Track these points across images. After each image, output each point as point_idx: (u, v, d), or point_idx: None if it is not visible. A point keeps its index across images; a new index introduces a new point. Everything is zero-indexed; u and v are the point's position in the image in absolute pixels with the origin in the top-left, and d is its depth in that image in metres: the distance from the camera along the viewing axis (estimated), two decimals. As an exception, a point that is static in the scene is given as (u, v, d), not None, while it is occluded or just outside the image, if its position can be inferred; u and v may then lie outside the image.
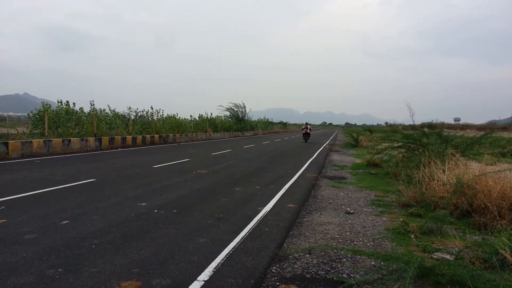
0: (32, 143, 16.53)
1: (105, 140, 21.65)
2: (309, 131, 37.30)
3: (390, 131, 26.74)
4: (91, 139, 20.55)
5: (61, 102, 21.92)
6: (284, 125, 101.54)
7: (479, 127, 79.45)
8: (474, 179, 7.00)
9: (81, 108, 23.23)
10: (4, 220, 6.04)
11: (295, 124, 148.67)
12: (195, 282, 4.03)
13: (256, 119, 71.57)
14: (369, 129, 63.62)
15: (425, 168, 8.85)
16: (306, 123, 38.53)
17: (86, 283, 3.93)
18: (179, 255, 4.80)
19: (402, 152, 13.50)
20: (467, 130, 61.08)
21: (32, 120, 20.38)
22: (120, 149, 21.07)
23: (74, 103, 22.56)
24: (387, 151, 15.05)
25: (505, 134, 42.08)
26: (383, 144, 19.90)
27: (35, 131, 19.75)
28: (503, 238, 4.58)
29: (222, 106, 55.65)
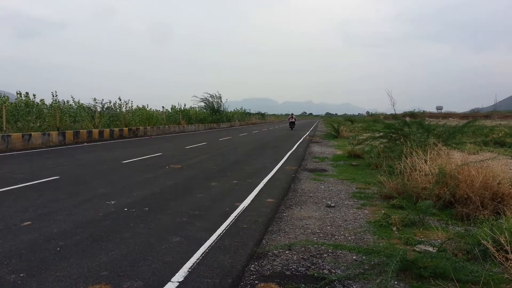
0: (-12, 139, 15.99)
1: (69, 134, 21.17)
2: (294, 120, 48.76)
3: (372, 120, 27.25)
4: (54, 134, 20.05)
5: (20, 94, 21.28)
6: (262, 116, 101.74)
7: (462, 116, 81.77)
8: (456, 169, 7.20)
9: (42, 100, 22.62)
10: (-42, 223, 5.84)
11: (273, 115, 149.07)
12: (169, 283, 4.01)
13: (233, 110, 71.46)
14: (350, 119, 64.50)
15: (407, 158, 9.04)
16: (292, 114, 52.65)
17: (51, 289, 3.85)
18: (151, 256, 4.75)
19: (384, 142, 13.77)
20: (450, 118, 62.77)
21: (-12, 114, 19.71)
22: (86, 144, 20.65)
23: (34, 95, 21.97)
24: (368, 142, 15.32)
25: (488, 122, 43.44)
26: (365, 134, 20.21)
27: (-9, 125, 19.11)
28: (485, 229, 4.74)
29: (197, 97, 55.47)
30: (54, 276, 4.12)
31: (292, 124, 47.61)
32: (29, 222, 5.97)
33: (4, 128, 18.41)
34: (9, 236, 5.35)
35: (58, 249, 4.91)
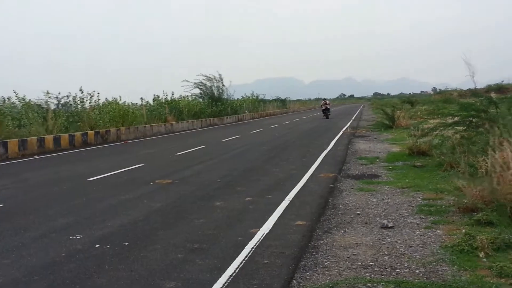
0: None
1: (13, 144, 21.45)
2: (328, 107, 53.98)
3: (441, 100, 27.01)
4: (-8, 145, 20.39)
5: None
6: (282, 102, 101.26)
7: None
8: None
9: (-28, 99, 23.02)
10: None
11: (299, 101, 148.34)
12: None
13: (241, 98, 71.37)
14: (410, 100, 64.09)
15: (495, 152, 8.93)
16: (324, 99, 58.62)
17: None
18: (136, 310, 4.81)
19: (460, 131, 13.62)
20: (555, 91, 61.78)
21: None
22: (36, 157, 20.92)
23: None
24: (438, 132, 15.16)
25: None
26: (432, 121, 20.03)
27: None
28: None
29: (188, 81, 54.81)
30: None
31: (327, 111, 52.96)
32: (-37, 271, 6.09)
33: None
34: None
35: (5, 306, 5.00)
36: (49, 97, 28.20)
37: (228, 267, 5.91)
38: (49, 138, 23.95)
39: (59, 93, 28.79)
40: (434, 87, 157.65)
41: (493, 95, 15.26)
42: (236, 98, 65.88)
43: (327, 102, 55.87)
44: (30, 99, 27.49)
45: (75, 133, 26.37)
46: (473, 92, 15.71)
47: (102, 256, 6.55)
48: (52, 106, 28.16)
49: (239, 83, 66.52)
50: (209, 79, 55.82)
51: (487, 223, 7.03)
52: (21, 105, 26.84)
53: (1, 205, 10.11)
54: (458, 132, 13.77)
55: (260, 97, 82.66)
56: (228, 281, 5.49)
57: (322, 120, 46.18)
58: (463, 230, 6.90)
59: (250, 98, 75.30)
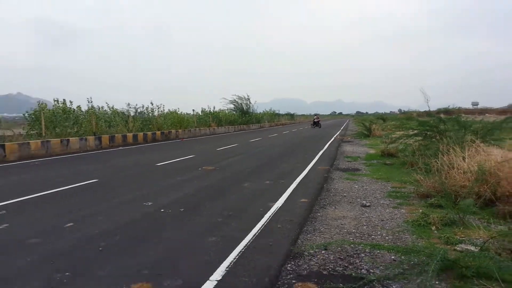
0: (30, 145, 16.68)
1: (105, 138, 21.79)
2: (318, 120, 53.35)
3: (405, 118, 26.62)
4: (91, 138, 20.70)
5: (58, 101, 22.06)
6: (291, 116, 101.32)
7: (499, 111, 78.66)
8: (496, 166, 6.97)
9: (78, 106, 23.41)
10: (6, 225, 6.13)
11: (303, 115, 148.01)
12: (208, 282, 4.08)
13: (262, 112, 71.48)
14: (382, 117, 63.29)
15: (443, 156, 8.81)
16: (316, 113, 57.46)
17: (95, 287, 3.99)
18: (189, 255, 4.84)
19: (419, 140, 13.45)
20: (486, 114, 60.53)
21: (28, 121, 20.50)
22: (121, 148, 21.20)
23: (71, 101, 22.74)
24: (402, 140, 15.00)
25: (528, 118, 41.64)
26: (398, 132, 19.79)
27: (31, 132, 19.89)
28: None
29: (226, 99, 55.51)
30: (97, 275, 4.26)
31: (317, 123, 52.07)
32: (71, 224, 6.20)
33: (43, 134, 19.15)
34: (53, 237, 5.58)
35: (100, 248, 5.08)
36: (130, 107, 28.69)
37: (253, 229, 5.91)
38: (129, 135, 24.24)
39: (136, 104, 29.38)
40: (400, 109, 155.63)
41: (442, 115, 15.03)
42: (258, 112, 66.04)
43: (318, 117, 55.78)
44: (116, 108, 27.92)
45: (147, 132, 26.63)
46: (428, 113, 15.48)
47: (165, 217, 6.62)
48: (132, 113, 28.50)
49: (260, 101, 66.39)
50: (240, 98, 56.24)
51: (438, 206, 6.93)
52: (110, 112, 27.25)
53: (96, 180, 10.26)
54: (417, 141, 13.60)
55: (276, 111, 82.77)
56: (253, 238, 5.50)
57: (319, 129, 45.92)
58: (420, 210, 6.82)
59: (269, 112, 75.40)
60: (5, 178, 10.98)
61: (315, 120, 53.44)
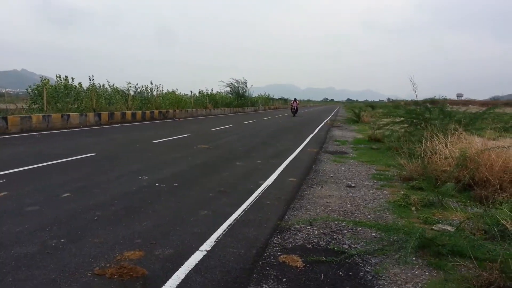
0: (32, 118, 16.48)
1: (105, 115, 21.58)
2: (297, 106, 40.49)
3: (392, 106, 26.64)
4: (91, 114, 20.49)
5: (60, 77, 21.74)
6: (285, 101, 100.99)
7: (482, 103, 78.99)
8: (477, 153, 7.00)
9: (79, 83, 23.09)
10: (6, 193, 6.08)
11: (299, 101, 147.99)
12: (197, 252, 4.09)
13: (257, 95, 71.19)
14: (371, 105, 63.34)
15: (427, 142, 8.83)
16: (295, 98, 41.54)
17: (89, 253, 3.98)
18: (181, 227, 4.84)
19: (404, 127, 13.48)
20: (470, 105, 60.72)
21: (31, 96, 20.30)
22: (119, 125, 21.02)
23: (73, 78, 22.41)
24: (389, 127, 15.04)
25: (508, 110, 41.83)
26: (385, 119, 19.82)
27: (34, 106, 19.69)
28: (505, 210, 4.61)
29: (223, 82, 55.26)
30: (92, 242, 4.25)
31: (294, 111, 39.27)
32: (68, 194, 6.16)
33: (45, 109, 18.92)
34: (51, 206, 5.54)
35: (95, 218, 5.06)
36: (130, 86, 28.31)
37: (242, 204, 5.92)
38: (128, 113, 24.03)
39: (137, 84, 29.02)
40: (388, 98, 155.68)
41: (428, 105, 15.03)
42: (254, 96, 65.80)
43: (296, 101, 40.66)
44: (117, 86, 27.63)
45: (146, 111, 26.41)
46: (415, 102, 15.45)
47: (160, 191, 6.59)
48: (131, 92, 28.19)
49: (255, 86, 65.98)
50: (237, 81, 55.90)
51: (419, 188, 6.98)
52: (111, 90, 26.97)
53: (94, 154, 10.18)
54: (403, 127, 13.64)
55: (270, 96, 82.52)
56: (242, 213, 5.51)
57: (310, 114, 45.85)
58: (402, 192, 6.85)
59: (263, 96, 75.10)
60: (6, 149, 10.86)
61: (294, 105, 39.84)
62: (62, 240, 4.28)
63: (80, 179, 7.21)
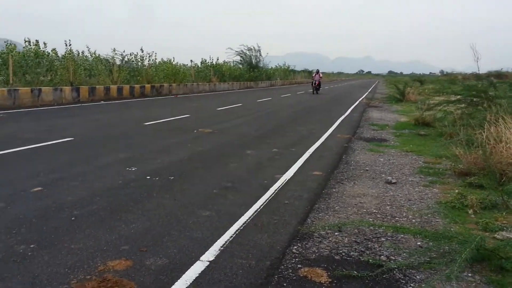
0: (-6, 94, 16.75)
1: (84, 90, 21.78)
2: (319, 80, 38.14)
3: (447, 81, 26.34)
4: (67, 89, 20.70)
5: (29, 42, 21.89)
6: (309, 73, 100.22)
7: None
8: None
9: (53, 50, 23.27)
10: (-36, 186, 6.22)
11: (323, 73, 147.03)
12: (198, 262, 4.14)
13: (274, 67, 70.81)
14: (419, 79, 62.56)
15: (490, 127, 8.71)
16: (318, 70, 39.45)
17: (65, 262, 4.05)
18: (177, 231, 4.90)
19: (462, 107, 13.31)
20: (548, 81, 59.51)
21: (-8, 65, 20.54)
22: (102, 102, 21.24)
23: (45, 43, 22.60)
24: (441, 107, 14.84)
25: None
26: (437, 98, 19.59)
27: (-4, 78, 19.95)
28: None
29: (232, 49, 54.81)
30: (68, 249, 4.33)
31: (316, 87, 37.53)
32: (40, 188, 6.27)
33: (11, 81, 19.15)
34: (18, 202, 5.65)
35: (72, 218, 5.14)
36: (115, 54, 28.39)
37: (254, 204, 5.95)
38: (113, 87, 24.24)
39: (124, 51, 28.98)
40: (442, 70, 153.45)
41: (493, 79, 14.81)
42: (270, 67, 65.42)
43: (320, 74, 38.84)
44: (99, 54, 27.76)
45: (135, 85, 26.62)
46: (476, 76, 15.22)
47: (152, 186, 6.66)
48: (117, 62, 28.31)
49: (272, 54, 65.73)
50: (249, 49, 55.57)
51: (478, 186, 6.91)
52: (92, 58, 27.13)
53: (72, 139, 10.31)
54: (459, 108, 13.46)
55: (291, 67, 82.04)
56: (254, 215, 5.53)
57: (341, 90, 45.53)
58: (456, 190, 6.80)
59: (282, 68, 74.72)
60: (-35, 132, 11.09)
61: (315, 79, 38.02)
62: (32, 246, 4.36)
63: (54, 170, 7.32)
